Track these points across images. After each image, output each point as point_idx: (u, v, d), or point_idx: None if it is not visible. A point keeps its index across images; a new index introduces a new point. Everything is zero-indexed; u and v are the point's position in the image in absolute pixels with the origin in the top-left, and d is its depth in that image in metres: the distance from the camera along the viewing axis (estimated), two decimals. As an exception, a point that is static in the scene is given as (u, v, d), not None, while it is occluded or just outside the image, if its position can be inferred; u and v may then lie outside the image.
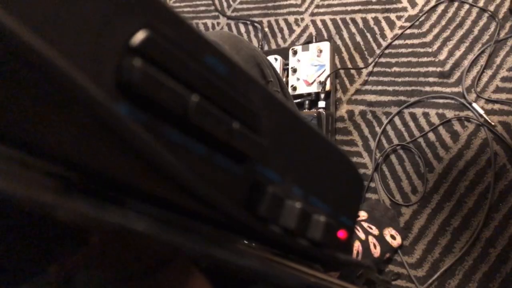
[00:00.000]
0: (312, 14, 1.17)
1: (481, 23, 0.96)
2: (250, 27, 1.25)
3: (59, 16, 0.11)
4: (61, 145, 0.11)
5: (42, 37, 0.10)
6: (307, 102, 1.01)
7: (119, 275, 0.16)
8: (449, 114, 0.90)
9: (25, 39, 0.09)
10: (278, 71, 1.04)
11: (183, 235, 0.12)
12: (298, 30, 1.17)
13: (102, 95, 0.11)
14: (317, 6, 1.17)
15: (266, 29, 1.22)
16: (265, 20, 1.23)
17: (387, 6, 1.08)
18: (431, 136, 0.90)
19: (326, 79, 0.99)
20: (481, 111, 0.86)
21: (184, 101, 0.12)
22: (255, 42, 1.22)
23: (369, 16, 1.09)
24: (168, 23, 0.12)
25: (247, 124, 0.14)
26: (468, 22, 0.97)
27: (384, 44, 1.03)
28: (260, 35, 1.21)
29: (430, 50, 0.98)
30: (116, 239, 0.15)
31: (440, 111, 0.91)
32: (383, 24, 1.06)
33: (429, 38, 0.99)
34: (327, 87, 0.99)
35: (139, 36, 0.12)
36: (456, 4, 1.00)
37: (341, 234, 0.19)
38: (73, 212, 0.11)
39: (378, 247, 0.82)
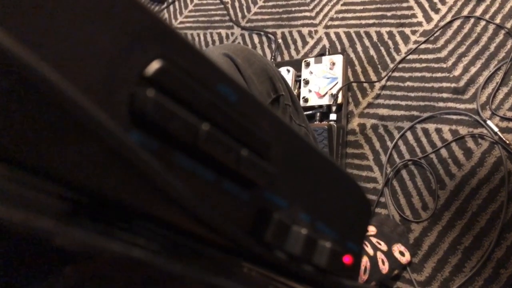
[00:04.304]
0: (326, 27, 1.17)
1: (497, 40, 0.94)
2: (264, 38, 1.26)
3: (74, 44, 0.11)
4: (71, 170, 0.11)
5: (55, 65, 0.11)
6: (318, 114, 1.01)
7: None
8: (463, 130, 0.89)
9: (38, 69, 0.10)
10: (290, 83, 1.05)
11: (182, 263, 0.12)
12: (311, 42, 1.18)
13: (113, 123, 0.11)
14: (331, 19, 1.18)
15: (280, 40, 1.22)
16: (279, 31, 1.24)
17: (402, 21, 1.07)
18: (444, 152, 0.89)
19: (338, 92, 0.99)
20: (496, 129, 0.85)
21: (195, 129, 0.12)
22: (268, 53, 1.23)
23: (384, 30, 1.09)
24: (182, 53, 0.13)
25: (256, 151, 0.14)
26: (484, 39, 0.96)
27: (398, 58, 1.03)
28: (273, 46, 1.22)
29: (444, 65, 0.97)
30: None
31: (454, 127, 0.90)
32: (398, 38, 1.06)
33: (443, 53, 0.98)
34: (339, 100, 0.99)
35: (153, 66, 0.12)
36: (472, 20, 0.99)
37: (347, 259, 0.19)
38: (69, 239, 0.10)
39: (387, 263, 0.80)
